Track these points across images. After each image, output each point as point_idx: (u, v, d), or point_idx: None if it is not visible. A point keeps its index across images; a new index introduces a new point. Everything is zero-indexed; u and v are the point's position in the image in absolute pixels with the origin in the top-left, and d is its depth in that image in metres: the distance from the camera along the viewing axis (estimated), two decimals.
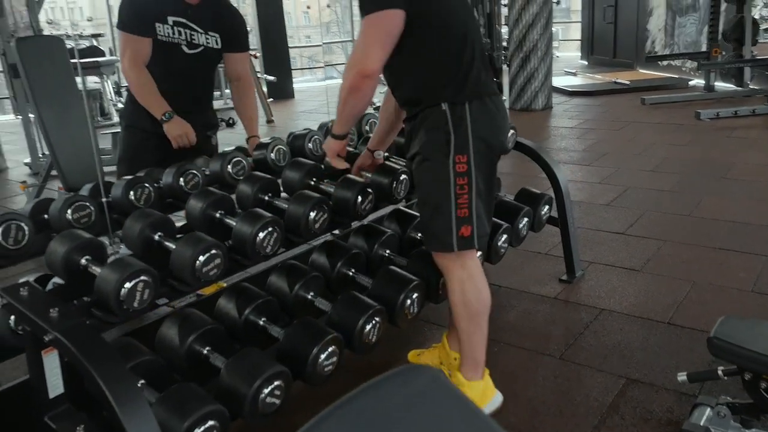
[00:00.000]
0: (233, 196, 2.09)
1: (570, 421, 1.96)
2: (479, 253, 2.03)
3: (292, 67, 10.07)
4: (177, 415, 1.38)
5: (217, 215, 1.90)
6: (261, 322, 1.82)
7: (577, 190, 4.20)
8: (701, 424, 1.70)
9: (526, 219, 2.55)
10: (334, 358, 1.71)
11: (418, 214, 2.17)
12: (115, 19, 2.66)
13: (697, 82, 7.97)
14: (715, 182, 4.25)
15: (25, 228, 1.88)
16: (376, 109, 2.68)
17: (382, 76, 1.86)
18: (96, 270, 1.59)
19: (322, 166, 2.30)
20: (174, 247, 1.68)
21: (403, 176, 2.16)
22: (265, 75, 8.75)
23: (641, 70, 9.44)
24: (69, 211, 2.00)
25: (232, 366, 1.57)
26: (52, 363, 1.48)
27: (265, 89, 8.25)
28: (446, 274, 1.91)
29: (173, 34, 2.48)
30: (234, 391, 1.52)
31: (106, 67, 7.63)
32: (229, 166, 2.31)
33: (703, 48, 8.00)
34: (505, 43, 7.82)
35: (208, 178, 2.31)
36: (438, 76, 1.79)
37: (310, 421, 0.64)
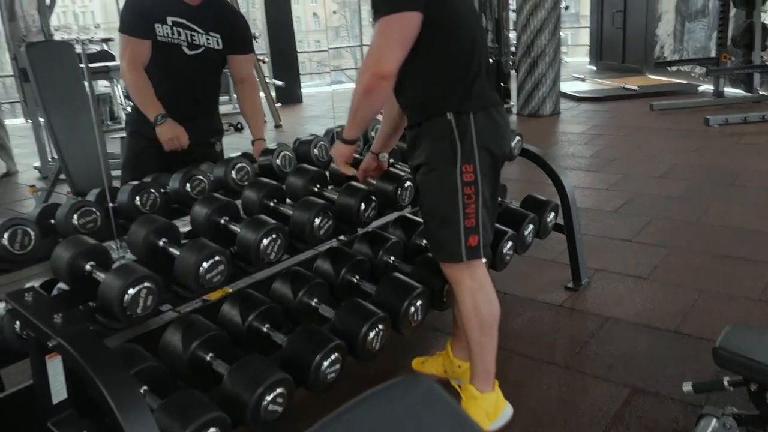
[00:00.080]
0: (239, 202, 2.10)
1: (574, 431, 1.95)
2: (484, 260, 2.03)
3: (301, 72, 10.11)
4: (179, 422, 1.38)
5: (222, 221, 1.91)
6: (264, 329, 1.82)
7: (585, 197, 4.19)
8: None
9: (531, 226, 2.54)
10: (337, 366, 1.71)
11: (423, 223, 2.15)
12: None
13: (707, 87, 7.94)
14: (724, 189, 4.22)
15: (31, 233, 1.89)
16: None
17: None
18: (100, 276, 1.60)
19: (327, 173, 2.31)
20: (178, 253, 1.69)
21: (408, 183, 2.16)
22: (273, 80, 8.78)
23: (650, 76, 9.41)
24: (75, 217, 2.01)
25: (234, 373, 1.57)
26: (55, 368, 1.49)
27: (273, 94, 8.28)
28: (456, 285, 1.89)
29: (172, 34, 2.49)
30: (236, 398, 1.52)
31: (116, 71, 7.67)
32: (233, 172, 2.32)
33: (713, 54, 7.97)
34: (513, 48, 7.83)
35: (212, 184, 2.31)
36: (444, 85, 1.78)
37: None
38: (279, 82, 8.75)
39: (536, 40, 6.99)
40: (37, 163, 5.87)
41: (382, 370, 2.12)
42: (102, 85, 8.07)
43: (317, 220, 1.91)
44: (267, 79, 8.38)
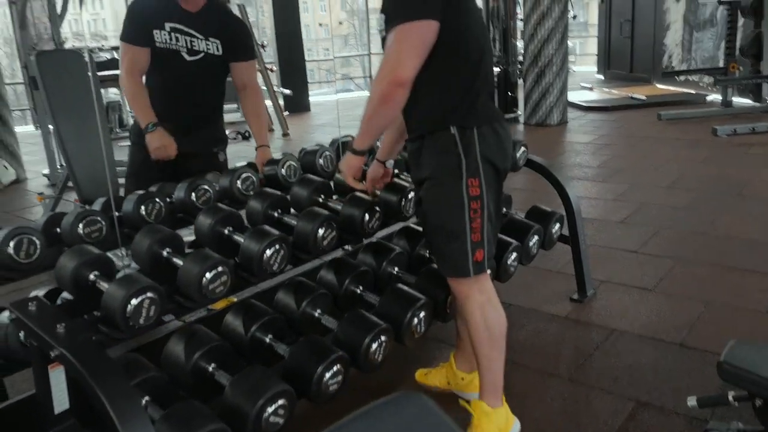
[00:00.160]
0: (243, 212, 2.10)
1: None
2: (488, 271, 2.02)
3: (310, 80, 10.16)
4: None
5: (226, 232, 1.91)
6: (267, 340, 1.82)
7: (591, 207, 4.18)
8: None
9: (536, 237, 2.53)
10: (339, 377, 1.70)
11: (425, 238, 2.13)
12: None
13: (715, 97, 7.91)
14: (732, 200, 4.20)
15: (37, 242, 1.90)
16: None
17: None
18: (104, 286, 1.60)
19: (332, 183, 2.31)
20: (181, 263, 1.69)
21: (412, 194, 2.16)
22: (281, 88, 8.83)
23: (658, 85, 9.38)
24: (80, 226, 2.02)
25: (236, 384, 1.57)
26: (58, 378, 1.49)
27: (281, 102, 8.31)
28: (464, 300, 1.87)
29: (171, 40, 2.51)
30: (238, 410, 1.52)
31: None
32: (239, 182, 2.32)
33: (721, 63, 7.95)
34: (520, 57, 7.83)
35: (217, 193, 2.32)
36: (450, 99, 1.76)
37: None
38: (286, 91, 8.79)
39: (543, 49, 7.00)
40: (46, 171, 5.92)
41: (384, 382, 2.12)
42: (112, 93, 8.13)
43: (321, 231, 1.91)
44: (275, 88, 8.42)
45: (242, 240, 1.82)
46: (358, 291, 2.10)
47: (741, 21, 7.48)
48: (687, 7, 9.15)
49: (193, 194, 2.25)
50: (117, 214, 2.11)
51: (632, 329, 2.58)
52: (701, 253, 3.32)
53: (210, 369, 1.67)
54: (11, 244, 1.85)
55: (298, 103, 9.26)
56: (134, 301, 1.50)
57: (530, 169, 2.80)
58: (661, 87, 9.23)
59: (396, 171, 2.31)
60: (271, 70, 8.66)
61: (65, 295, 1.87)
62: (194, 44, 2.54)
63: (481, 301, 1.85)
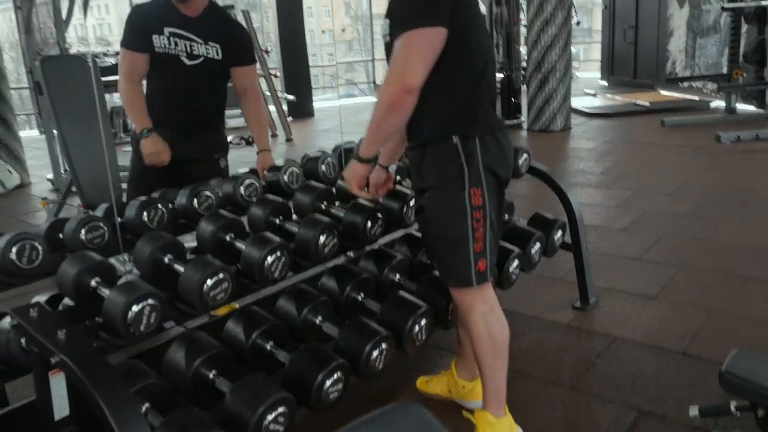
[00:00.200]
0: (245, 218, 2.11)
1: None
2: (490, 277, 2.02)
3: (314, 86, 10.17)
4: None
5: (228, 238, 1.92)
6: (268, 347, 1.82)
7: (594, 214, 4.17)
8: None
9: (538, 244, 2.53)
10: (340, 385, 1.70)
11: (426, 247, 2.12)
12: None
13: (718, 104, 7.90)
14: (735, 207, 4.19)
15: (39, 248, 1.91)
16: None
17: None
18: (105, 292, 1.61)
19: (334, 190, 2.32)
20: (183, 270, 1.69)
21: (414, 200, 2.16)
22: (285, 94, 8.85)
23: (661, 92, 9.38)
24: (83, 232, 2.02)
25: (236, 391, 1.57)
26: (58, 384, 1.49)
27: (285, 108, 8.33)
28: (467, 310, 1.87)
29: (170, 45, 2.52)
30: (237, 417, 1.51)
31: None
32: (242, 188, 2.33)
33: (724, 70, 7.94)
34: (524, 63, 7.84)
35: (220, 200, 2.33)
36: (452, 108, 1.75)
37: None
38: (290, 96, 8.81)
39: (547, 55, 7.00)
40: (51, 175, 5.94)
41: (385, 389, 2.11)
42: (117, 98, 8.15)
43: (322, 238, 1.91)
44: (279, 93, 8.44)
45: (244, 247, 1.82)
46: (360, 298, 2.09)
47: (744, 27, 7.48)
48: (690, 14, 9.16)
49: (195, 200, 2.26)
50: (119, 219, 2.12)
51: (634, 337, 2.57)
52: (704, 261, 3.31)
53: (210, 376, 1.67)
54: (14, 249, 1.86)
55: (301, 109, 9.28)
56: (135, 308, 1.50)
57: (532, 176, 2.80)
58: (665, 93, 9.21)
59: (398, 178, 2.31)
60: (275, 76, 8.67)
61: (67, 301, 1.87)
62: (194, 48, 2.55)
63: (484, 311, 1.84)
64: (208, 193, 2.29)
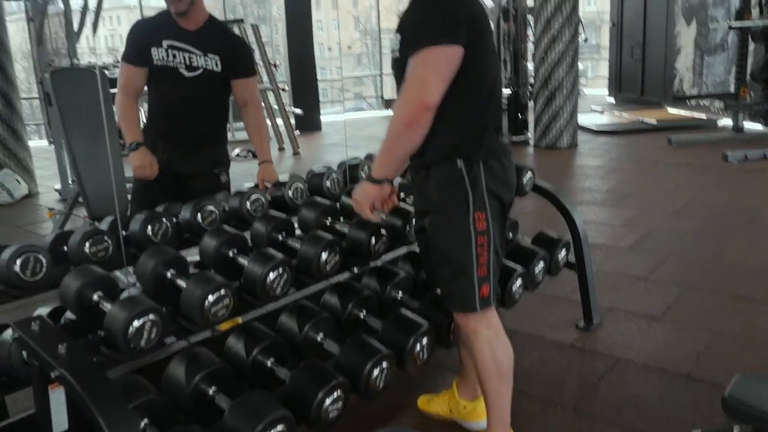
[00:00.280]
0: (248, 233, 2.11)
1: None
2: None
3: (322, 99, 10.23)
4: None
5: (230, 254, 1.92)
6: (269, 363, 1.81)
7: (599, 232, 4.16)
8: None
9: (541, 263, 2.52)
10: (340, 403, 1.69)
11: (428, 270, 2.10)
12: None
13: (726, 122, 7.89)
14: (742, 227, 4.17)
15: (43, 260, 1.91)
16: None
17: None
18: (107, 306, 1.61)
19: (337, 205, 2.32)
20: (185, 285, 1.70)
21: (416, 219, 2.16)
22: (292, 108, 8.89)
23: (669, 109, 9.37)
24: (87, 245, 2.03)
25: (235, 408, 1.56)
26: (58, 399, 1.49)
27: (292, 121, 8.37)
28: (472, 335, 1.84)
29: (168, 57, 2.55)
30: None
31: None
32: (248, 203, 2.34)
33: (732, 88, 7.94)
34: (531, 80, 7.86)
35: (224, 215, 2.33)
36: (457, 131, 1.72)
37: None
38: (297, 110, 8.85)
39: (554, 72, 7.02)
40: (58, 186, 5.98)
41: (386, 408, 2.10)
42: None
43: (324, 255, 1.91)
44: (286, 107, 8.48)
45: (246, 263, 1.82)
46: (362, 315, 2.09)
47: (752, 46, 7.48)
48: (698, 32, 9.17)
49: (199, 215, 2.27)
50: (124, 233, 2.12)
51: (638, 359, 2.55)
52: (710, 281, 3.29)
53: (210, 392, 1.67)
54: (18, 261, 1.86)
55: (309, 123, 9.32)
56: (136, 323, 1.51)
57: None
58: (672, 111, 9.21)
59: (402, 195, 2.31)
60: (283, 89, 8.73)
61: (69, 314, 1.88)
62: (192, 60, 2.58)
63: (489, 336, 1.82)
64: (211, 207, 2.30)
